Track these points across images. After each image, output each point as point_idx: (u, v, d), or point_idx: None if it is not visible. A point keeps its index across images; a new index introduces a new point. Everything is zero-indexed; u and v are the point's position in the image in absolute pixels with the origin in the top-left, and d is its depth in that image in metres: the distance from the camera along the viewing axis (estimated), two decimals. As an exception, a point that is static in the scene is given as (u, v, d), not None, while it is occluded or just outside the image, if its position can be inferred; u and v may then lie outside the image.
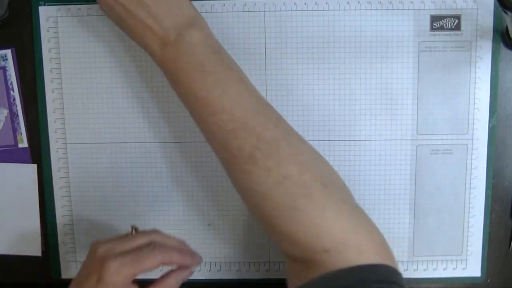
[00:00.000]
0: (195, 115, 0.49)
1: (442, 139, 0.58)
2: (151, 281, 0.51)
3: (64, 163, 0.61)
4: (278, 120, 0.48)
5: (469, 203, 0.59)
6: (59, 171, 0.61)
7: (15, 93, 0.60)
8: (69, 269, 0.62)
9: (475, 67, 0.57)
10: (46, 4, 0.58)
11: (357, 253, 0.43)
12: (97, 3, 0.51)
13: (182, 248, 0.53)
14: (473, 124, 0.58)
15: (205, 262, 0.62)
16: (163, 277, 0.51)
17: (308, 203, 0.44)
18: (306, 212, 0.44)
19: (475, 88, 0.58)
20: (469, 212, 0.59)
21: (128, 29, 0.50)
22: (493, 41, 0.57)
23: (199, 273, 0.62)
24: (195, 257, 0.53)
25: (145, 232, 0.52)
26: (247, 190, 0.47)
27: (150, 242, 0.50)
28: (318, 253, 0.44)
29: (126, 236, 0.51)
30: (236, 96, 0.46)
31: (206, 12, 0.57)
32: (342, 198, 0.46)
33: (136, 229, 0.52)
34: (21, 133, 0.61)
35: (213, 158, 0.59)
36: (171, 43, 0.47)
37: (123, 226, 0.61)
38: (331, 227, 0.44)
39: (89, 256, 0.49)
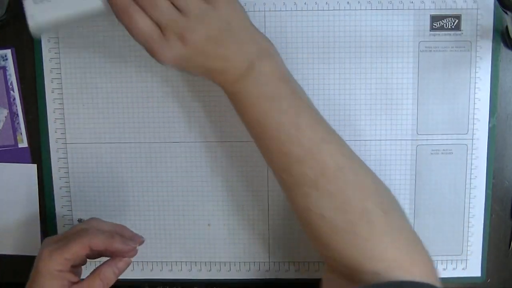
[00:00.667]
0: (260, 141, 0.48)
1: (442, 139, 0.58)
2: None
3: (64, 163, 0.61)
4: (343, 147, 0.48)
5: (469, 203, 0.59)
6: (59, 171, 0.61)
7: (15, 93, 0.60)
8: (69, 269, 0.62)
9: (475, 67, 0.57)
10: (46, 4, 0.58)
11: (404, 275, 0.44)
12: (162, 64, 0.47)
13: (116, 232, 0.52)
14: (473, 124, 0.58)
15: (205, 262, 0.62)
16: (97, 268, 0.51)
17: (367, 229, 0.45)
18: (364, 237, 0.45)
19: (475, 88, 0.58)
20: (469, 212, 0.59)
21: (198, 69, 0.47)
22: (493, 41, 0.57)
23: (199, 273, 0.62)
24: (132, 241, 0.52)
25: (84, 221, 0.53)
26: (304, 211, 0.47)
27: (84, 229, 0.51)
28: (367, 274, 0.45)
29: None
30: (305, 126, 0.46)
31: (206, 12, 0.57)
32: (400, 225, 0.47)
33: (80, 220, 0.53)
34: (21, 133, 0.61)
35: (213, 158, 0.59)
36: (243, 75, 0.46)
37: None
38: (386, 253, 0.45)
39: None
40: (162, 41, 0.44)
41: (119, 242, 0.51)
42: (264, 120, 0.46)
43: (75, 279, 0.49)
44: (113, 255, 0.51)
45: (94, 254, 0.51)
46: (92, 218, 0.54)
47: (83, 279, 0.50)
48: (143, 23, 0.44)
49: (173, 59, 0.45)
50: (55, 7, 0.46)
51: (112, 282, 0.51)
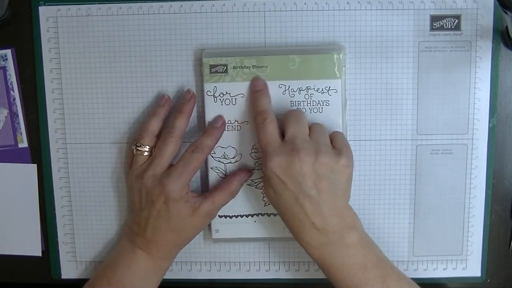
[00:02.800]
0: None
1: (442, 139, 0.58)
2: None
3: (64, 163, 0.61)
4: None
5: (469, 203, 0.59)
6: (59, 171, 0.61)
7: (15, 93, 0.60)
8: (69, 269, 0.62)
9: (475, 67, 0.57)
10: (46, 4, 0.58)
11: None
12: (265, 192, 0.53)
13: (209, 130, 0.56)
14: (473, 124, 0.58)
15: (205, 262, 0.62)
16: (226, 180, 0.56)
17: None
18: None
19: (475, 88, 0.58)
20: (469, 212, 0.59)
21: (290, 215, 0.51)
22: (493, 41, 0.57)
23: (199, 273, 0.62)
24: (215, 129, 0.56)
25: (163, 145, 0.55)
26: None
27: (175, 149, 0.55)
28: None
29: (145, 159, 0.56)
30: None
31: (206, 12, 0.57)
32: None
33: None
34: (21, 133, 0.61)
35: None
36: (332, 243, 0.50)
37: (124, 225, 0.61)
38: None
39: (140, 190, 0.54)
40: (279, 149, 0.50)
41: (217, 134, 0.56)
42: (353, 286, 0.50)
43: (197, 196, 0.55)
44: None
45: None
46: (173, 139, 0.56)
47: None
48: (273, 128, 0.52)
49: (278, 170, 0.49)
50: None
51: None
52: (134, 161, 0.56)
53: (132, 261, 0.55)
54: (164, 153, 0.54)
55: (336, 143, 0.52)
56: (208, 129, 0.56)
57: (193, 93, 0.57)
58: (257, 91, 0.54)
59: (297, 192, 0.49)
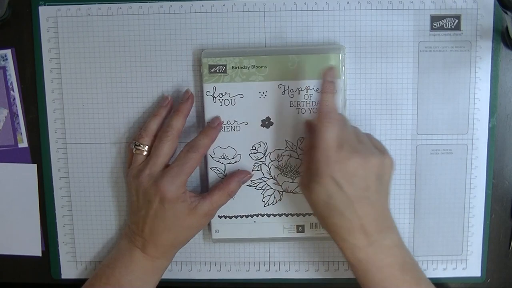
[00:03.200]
0: None
1: (442, 139, 0.58)
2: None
3: (64, 163, 0.61)
4: None
5: (469, 203, 0.59)
6: (59, 171, 0.61)
7: (15, 93, 0.60)
8: (69, 269, 0.62)
9: (475, 67, 0.57)
10: (46, 4, 0.58)
11: None
12: (308, 199, 0.52)
13: (205, 130, 0.56)
14: (473, 124, 0.58)
15: (205, 262, 0.62)
16: (224, 180, 0.56)
17: None
18: None
19: (475, 88, 0.58)
20: (469, 212, 0.59)
21: (338, 218, 0.50)
22: (493, 41, 0.57)
23: (199, 273, 0.62)
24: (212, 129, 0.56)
25: (159, 144, 0.55)
26: None
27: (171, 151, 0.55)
28: None
29: (143, 159, 0.56)
30: None
31: (206, 12, 0.57)
32: None
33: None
34: (21, 133, 0.61)
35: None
36: (375, 243, 0.50)
37: (123, 225, 0.61)
38: None
39: (137, 190, 0.55)
40: (337, 153, 0.49)
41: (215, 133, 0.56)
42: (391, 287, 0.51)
43: (195, 196, 0.55)
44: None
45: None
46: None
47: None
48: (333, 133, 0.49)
49: (337, 174, 0.48)
50: None
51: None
52: (133, 161, 0.56)
53: (131, 261, 0.55)
54: (160, 153, 0.54)
55: (374, 143, 0.53)
56: (204, 129, 0.56)
57: (191, 93, 0.57)
58: (327, 93, 0.51)
59: (352, 195, 0.49)
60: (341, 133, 0.50)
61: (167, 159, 0.55)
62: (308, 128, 0.55)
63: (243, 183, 0.57)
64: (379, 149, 0.52)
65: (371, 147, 0.52)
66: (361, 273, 0.52)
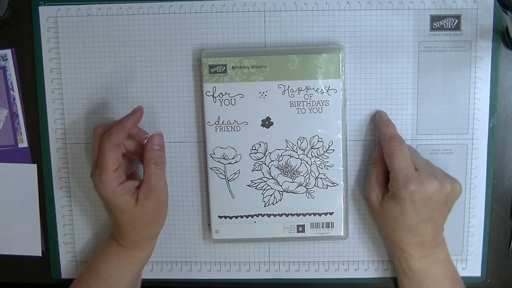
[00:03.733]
0: None
1: (442, 139, 0.58)
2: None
3: (64, 163, 0.61)
4: None
5: (469, 203, 0.59)
6: (59, 171, 0.61)
7: (15, 93, 0.60)
8: (69, 269, 0.62)
9: (475, 67, 0.57)
10: (46, 4, 0.58)
11: None
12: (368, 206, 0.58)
13: (120, 119, 0.54)
14: (473, 124, 0.58)
15: (205, 262, 0.62)
16: (144, 158, 0.55)
17: None
18: None
19: (475, 88, 0.58)
20: (469, 212, 0.59)
21: (402, 231, 0.54)
22: (493, 41, 0.57)
23: (199, 273, 0.62)
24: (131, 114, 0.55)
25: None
26: None
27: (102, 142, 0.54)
28: None
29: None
30: None
31: (206, 12, 0.57)
32: None
33: None
34: (21, 133, 0.61)
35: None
36: (430, 256, 0.54)
37: (123, 226, 0.61)
38: None
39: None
40: (416, 174, 0.52)
41: (127, 118, 0.54)
42: None
43: (135, 181, 0.55)
44: (135, 136, 0.56)
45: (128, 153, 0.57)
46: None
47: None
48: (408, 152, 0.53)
49: (417, 195, 0.52)
50: None
51: (163, 159, 0.55)
52: None
53: (107, 250, 0.57)
54: (94, 154, 0.55)
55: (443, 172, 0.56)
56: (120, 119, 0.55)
57: (141, 109, 0.55)
58: (385, 120, 0.57)
59: (423, 215, 0.52)
60: (415, 157, 0.54)
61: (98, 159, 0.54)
62: (378, 140, 0.57)
63: (138, 118, 0.55)
64: (449, 176, 0.55)
65: (443, 173, 0.55)
66: (414, 283, 0.55)
